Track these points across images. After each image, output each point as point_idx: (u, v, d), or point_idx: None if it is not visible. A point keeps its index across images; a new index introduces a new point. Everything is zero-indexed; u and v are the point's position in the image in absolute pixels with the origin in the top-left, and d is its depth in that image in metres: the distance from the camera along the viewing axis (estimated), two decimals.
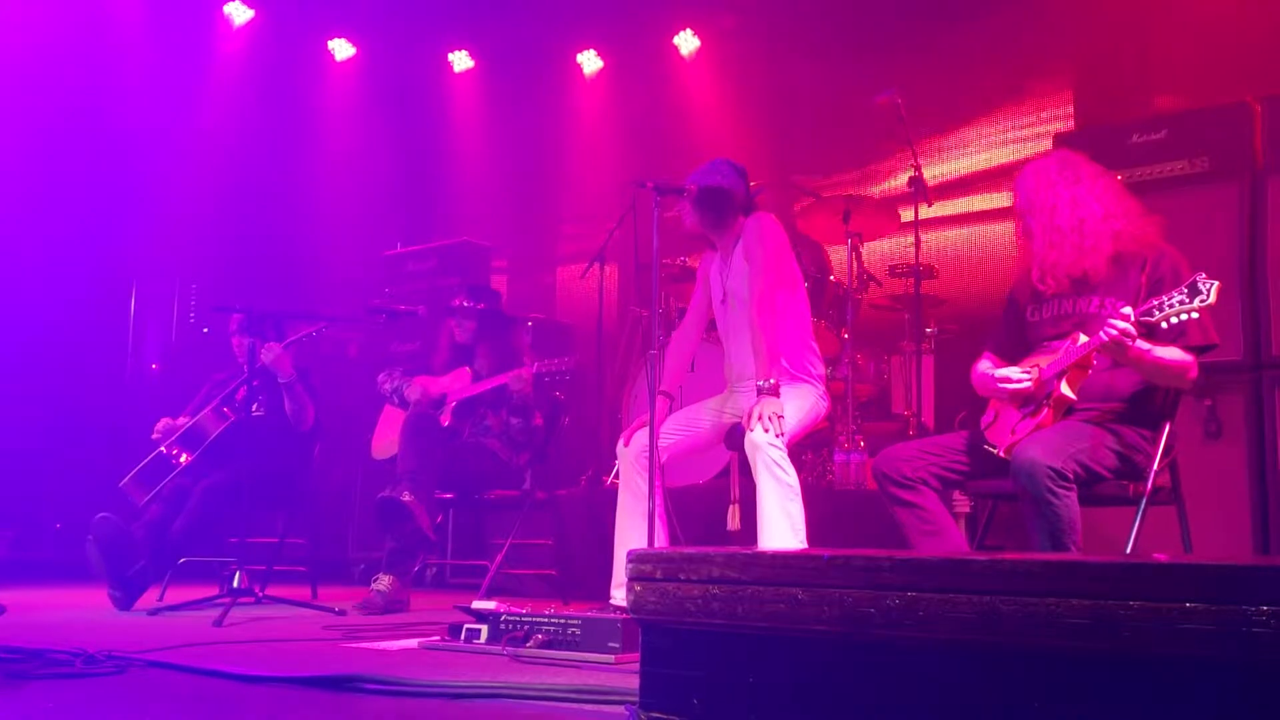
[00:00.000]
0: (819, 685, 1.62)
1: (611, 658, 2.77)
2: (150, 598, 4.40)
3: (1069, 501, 2.75)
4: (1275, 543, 3.78)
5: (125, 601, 4.27)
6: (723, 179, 3.77)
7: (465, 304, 4.85)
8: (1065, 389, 2.90)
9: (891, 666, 1.55)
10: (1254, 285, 3.94)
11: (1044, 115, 5.77)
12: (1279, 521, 3.80)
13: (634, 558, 1.87)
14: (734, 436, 3.80)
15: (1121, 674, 1.35)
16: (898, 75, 5.39)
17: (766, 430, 3.39)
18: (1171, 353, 2.85)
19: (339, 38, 8.19)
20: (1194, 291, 2.65)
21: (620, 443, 3.80)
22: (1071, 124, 5.75)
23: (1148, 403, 3.01)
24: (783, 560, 1.67)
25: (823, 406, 3.73)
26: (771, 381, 3.48)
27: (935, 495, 3.09)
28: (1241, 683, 1.28)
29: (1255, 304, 3.93)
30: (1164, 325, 2.70)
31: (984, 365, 3.25)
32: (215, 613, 3.80)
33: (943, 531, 3.05)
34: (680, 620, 1.76)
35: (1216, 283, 2.63)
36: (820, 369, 3.79)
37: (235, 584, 4.14)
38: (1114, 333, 2.74)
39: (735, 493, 4.26)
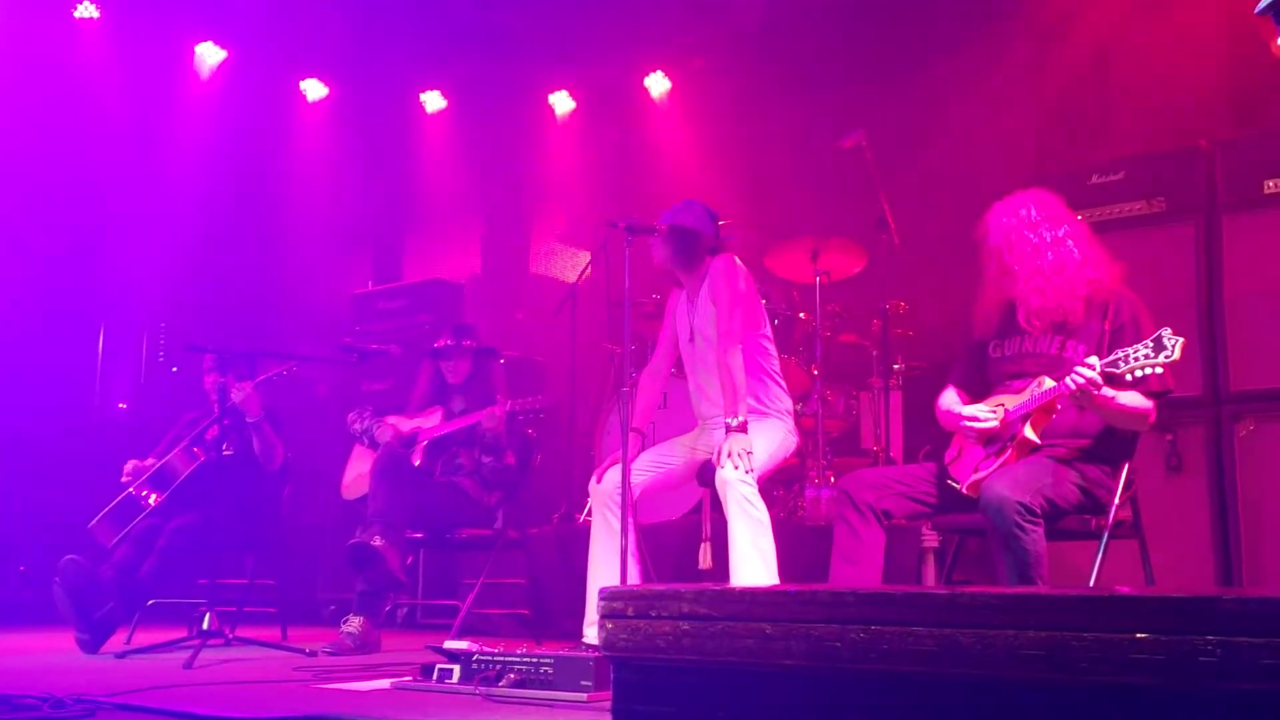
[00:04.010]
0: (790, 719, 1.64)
1: (584, 696, 2.77)
2: (118, 640, 4.36)
3: (1036, 536, 2.80)
4: (1236, 573, 3.86)
5: (92, 644, 4.22)
6: (694, 220, 3.84)
7: (462, 344, 4.80)
8: (1029, 432, 2.97)
9: (860, 699, 1.58)
10: (1211, 321, 4.05)
11: (1008, 154, 5.87)
12: (1239, 552, 3.88)
13: (605, 595, 1.89)
14: (706, 473, 3.83)
15: (1077, 703, 1.39)
16: (867, 115, 5.47)
17: (736, 467, 3.43)
18: (1133, 398, 2.92)
19: (311, 78, 8.23)
20: (1159, 346, 2.73)
21: (593, 480, 3.82)
22: (1034, 164, 5.86)
23: (1110, 440, 3.07)
24: (751, 596, 1.70)
25: (791, 441, 3.78)
26: (740, 419, 3.53)
27: (881, 532, 3.12)
28: (1191, 711, 1.32)
29: (1213, 340, 4.04)
30: (1128, 378, 2.77)
31: (948, 399, 3.29)
32: (184, 655, 3.77)
33: (860, 564, 3.08)
34: (651, 657, 1.78)
35: (1181, 340, 2.72)
36: (787, 404, 3.84)
37: (204, 626, 4.10)
38: (1081, 381, 2.82)
39: (707, 530, 4.27)
